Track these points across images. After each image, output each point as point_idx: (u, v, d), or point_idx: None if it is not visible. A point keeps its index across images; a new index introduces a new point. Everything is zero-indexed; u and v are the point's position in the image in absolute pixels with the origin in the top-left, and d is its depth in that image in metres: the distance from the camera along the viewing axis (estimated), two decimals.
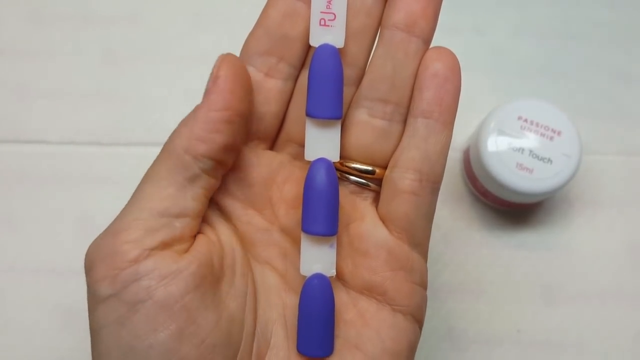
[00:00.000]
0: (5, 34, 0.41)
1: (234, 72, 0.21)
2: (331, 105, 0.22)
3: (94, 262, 0.21)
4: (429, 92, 0.22)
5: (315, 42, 0.23)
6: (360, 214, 0.23)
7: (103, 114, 0.39)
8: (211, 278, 0.21)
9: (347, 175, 0.24)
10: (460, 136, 0.39)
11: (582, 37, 0.41)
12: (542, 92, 0.40)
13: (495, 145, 0.34)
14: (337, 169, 0.23)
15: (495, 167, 0.34)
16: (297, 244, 0.23)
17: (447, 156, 0.23)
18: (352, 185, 0.24)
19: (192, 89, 0.41)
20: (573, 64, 0.41)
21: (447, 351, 0.36)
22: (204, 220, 0.23)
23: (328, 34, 0.22)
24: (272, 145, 0.24)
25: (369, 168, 0.23)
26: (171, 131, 0.40)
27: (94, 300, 0.20)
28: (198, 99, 0.40)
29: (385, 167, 0.23)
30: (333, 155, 0.23)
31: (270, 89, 0.23)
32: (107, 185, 0.38)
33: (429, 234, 0.24)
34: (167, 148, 0.22)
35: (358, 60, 0.23)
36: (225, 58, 0.21)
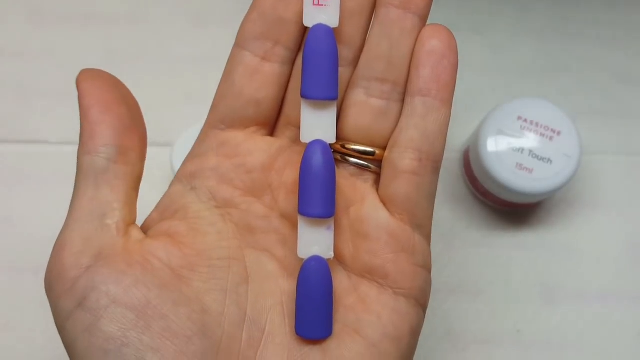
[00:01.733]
0: (5, 34, 0.41)
1: (92, 74, 0.23)
2: (326, 86, 0.22)
3: (50, 282, 0.21)
4: (426, 70, 0.22)
5: (309, 22, 0.22)
6: (361, 196, 0.23)
7: None
8: (174, 280, 0.21)
9: (347, 158, 0.23)
10: (460, 136, 0.39)
11: (582, 37, 0.41)
12: (542, 92, 0.40)
13: (495, 145, 0.34)
14: (336, 151, 0.23)
15: (495, 167, 0.34)
16: (296, 229, 0.23)
17: (446, 134, 0.22)
18: (352, 168, 0.24)
19: (192, 89, 0.41)
20: (573, 64, 0.41)
21: (446, 351, 0.36)
22: (184, 216, 0.23)
23: (322, 14, 0.22)
24: (272, 130, 0.24)
25: (369, 149, 0.23)
26: (171, 131, 0.41)
27: (60, 318, 0.21)
28: (198, 99, 0.40)
29: (385, 148, 0.23)
30: (329, 136, 0.22)
31: (267, 73, 0.23)
32: None
33: (431, 214, 0.23)
34: (77, 160, 0.22)
35: (354, 40, 0.23)
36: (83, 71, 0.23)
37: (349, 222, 0.23)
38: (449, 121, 0.22)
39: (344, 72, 0.23)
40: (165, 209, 0.23)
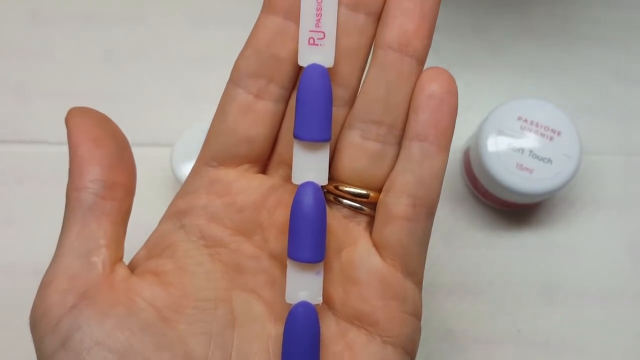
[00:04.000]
0: (5, 34, 0.41)
1: (80, 111, 0.23)
2: (319, 127, 0.22)
3: (35, 320, 0.21)
4: (425, 115, 0.21)
5: (303, 61, 0.22)
6: (353, 239, 0.23)
7: None
8: (158, 321, 0.21)
9: (340, 199, 0.23)
10: (461, 136, 0.39)
11: (582, 37, 0.41)
12: (542, 92, 0.40)
13: (495, 145, 0.34)
14: (330, 192, 0.23)
15: (495, 167, 0.34)
16: (286, 270, 0.22)
17: (442, 180, 0.22)
18: (346, 209, 0.23)
19: (192, 89, 0.41)
20: (573, 64, 0.41)
21: (446, 351, 0.36)
22: (172, 254, 0.22)
23: (317, 53, 0.22)
24: (264, 168, 0.24)
25: (363, 192, 0.23)
26: (171, 131, 0.41)
27: (44, 356, 0.20)
28: (198, 99, 0.40)
29: (379, 191, 0.23)
30: (321, 178, 0.22)
31: (260, 110, 0.22)
32: None
33: (424, 261, 0.23)
34: (66, 196, 0.22)
35: (350, 80, 0.22)
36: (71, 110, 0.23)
37: (340, 266, 0.23)
38: (445, 166, 0.22)
39: (338, 112, 0.23)
40: (154, 247, 0.23)
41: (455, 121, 0.22)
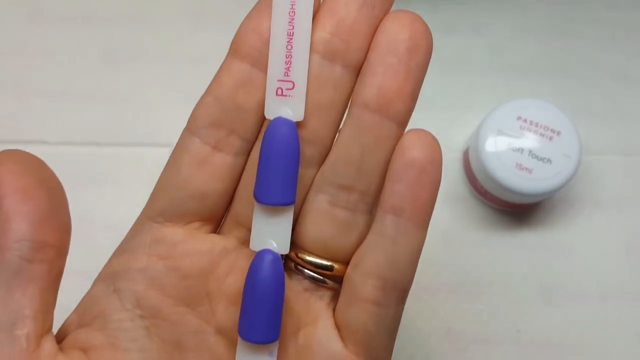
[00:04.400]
0: (5, 34, 0.41)
1: (9, 157, 0.19)
2: (283, 190, 0.19)
3: None
4: (402, 186, 0.19)
5: (270, 114, 0.20)
6: (313, 317, 0.20)
7: (103, 114, 0.39)
8: None
9: (302, 269, 0.21)
10: (460, 136, 0.39)
11: (582, 37, 0.41)
12: (542, 92, 0.40)
13: (495, 145, 0.34)
14: (290, 259, 0.21)
15: (494, 167, 0.34)
16: (234, 348, 0.20)
17: (418, 260, 0.20)
18: (307, 281, 0.21)
19: (191, 89, 0.41)
20: (573, 64, 0.41)
21: (446, 351, 0.36)
22: (103, 325, 0.20)
23: (285, 105, 0.19)
24: (218, 227, 0.21)
25: (327, 263, 0.20)
26: (171, 131, 0.40)
27: None
28: (197, 99, 0.40)
29: (346, 264, 0.20)
30: (282, 247, 0.20)
31: (217, 163, 0.20)
32: (107, 186, 0.38)
33: (391, 350, 0.20)
34: None
35: (321, 137, 0.20)
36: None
37: (296, 349, 0.20)
38: (422, 245, 0.20)
39: (306, 172, 0.20)
40: (85, 312, 0.20)
41: (436, 194, 0.19)
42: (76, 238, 0.37)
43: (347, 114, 0.20)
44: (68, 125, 0.39)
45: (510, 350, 0.36)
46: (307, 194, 0.21)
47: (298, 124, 0.20)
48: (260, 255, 0.20)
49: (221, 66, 0.20)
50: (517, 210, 0.38)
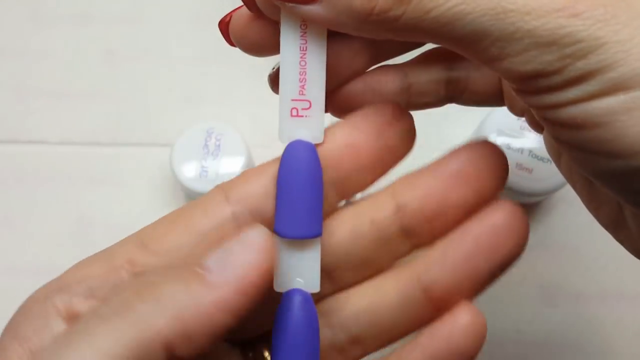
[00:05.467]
0: (5, 34, 0.41)
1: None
2: (308, 220, 0.18)
3: None
4: None
5: (285, 137, 0.18)
6: None
7: (103, 114, 0.39)
8: None
9: None
10: (460, 136, 0.39)
11: None
12: None
13: None
14: None
15: None
16: None
17: None
18: None
19: (192, 89, 0.41)
20: None
21: None
22: None
23: (302, 127, 0.18)
24: None
25: None
26: (171, 131, 0.40)
27: None
28: (198, 99, 0.39)
29: None
30: (312, 284, 0.18)
31: None
32: (107, 186, 0.38)
33: None
34: None
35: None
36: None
37: None
38: None
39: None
40: None
41: None
42: (76, 238, 0.37)
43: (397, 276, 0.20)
44: (68, 125, 0.39)
45: (510, 350, 0.36)
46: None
47: (317, 146, 0.18)
48: (289, 295, 0.18)
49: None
50: None
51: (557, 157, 0.22)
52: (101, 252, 0.19)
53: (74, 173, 0.38)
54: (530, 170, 0.34)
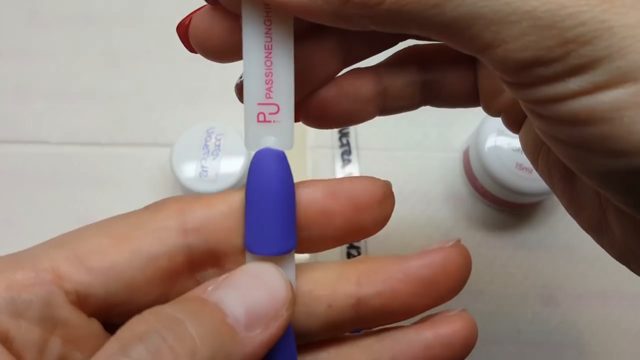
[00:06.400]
0: (5, 34, 0.41)
1: None
2: (281, 235, 0.16)
3: None
4: None
5: (252, 145, 0.17)
6: None
7: (103, 114, 0.39)
8: None
9: None
10: (460, 136, 0.39)
11: None
12: None
13: (495, 145, 0.34)
14: None
15: (494, 167, 0.34)
16: None
17: None
18: None
19: (192, 89, 0.41)
20: None
21: None
22: None
23: (270, 134, 0.17)
24: None
25: None
26: (171, 131, 0.40)
27: None
28: (198, 99, 0.39)
29: None
30: None
31: None
32: (107, 185, 0.38)
33: None
34: None
35: None
36: None
37: None
38: None
39: None
40: None
41: None
42: None
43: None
44: (68, 125, 0.39)
45: (510, 350, 0.36)
46: None
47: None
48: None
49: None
50: (517, 210, 0.38)
51: (534, 157, 0.21)
52: (23, 254, 0.18)
53: (74, 173, 0.38)
54: (530, 171, 0.34)
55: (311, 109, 0.20)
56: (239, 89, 0.19)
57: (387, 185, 0.18)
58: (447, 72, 0.21)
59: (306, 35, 0.18)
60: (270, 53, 0.16)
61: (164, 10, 0.42)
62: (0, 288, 0.16)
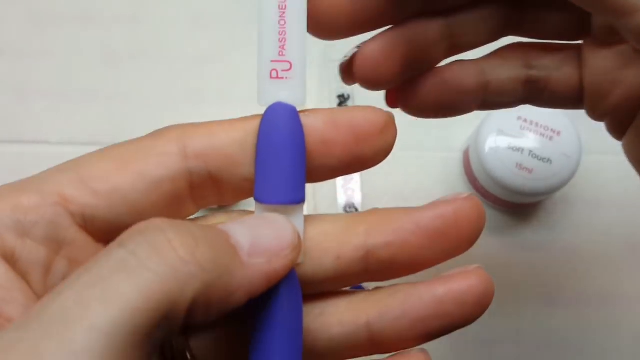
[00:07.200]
0: (5, 34, 0.41)
1: None
2: (291, 186, 0.17)
3: None
4: None
5: (265, 100, 0.17)
6: None
7: (103, 114, 0.39)
8: None
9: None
10: (460, 136, 0.38)
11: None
12: None
13: (495, 145, 0.34)
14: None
15: (495, 167, 0.34)
16: None
17: None
18: None
19: (192, 88, 0.41)
20: None
21: (446, 351, 0.36)
22: None
23: (282, 89, 0.17)
24: None
25: None
26: None
27: None
28: (198, 99, 0.39)
29: None
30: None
31: None
32: None
33: None
34: None
35: None
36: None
37: None
38: None
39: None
40: None
41: None
42: None
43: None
44: (68, 125, 0.39)
45: (510, 350, 0.36)
46: None
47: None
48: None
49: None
50: (517, 210, 0.38)
51: None
52: (28, 180, 0.18)
53: None
54: (530, 170, 0.34)
55: (411, 96, 0.20)
56: (344, 67, 0.19)
57: (389, 115, 0.18)
58: (552, 70, 0.20)
59: (414, 20, 0.19)
60: (284, 12, 0.17)
61: (163, 10, 0.42)
62: (6, 209, 0.16)
